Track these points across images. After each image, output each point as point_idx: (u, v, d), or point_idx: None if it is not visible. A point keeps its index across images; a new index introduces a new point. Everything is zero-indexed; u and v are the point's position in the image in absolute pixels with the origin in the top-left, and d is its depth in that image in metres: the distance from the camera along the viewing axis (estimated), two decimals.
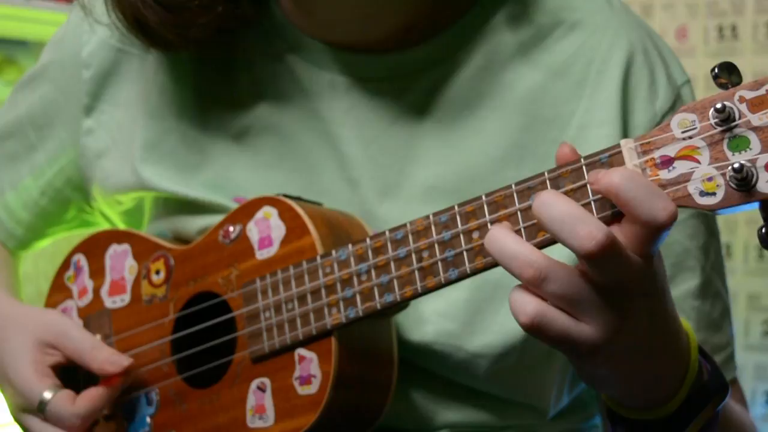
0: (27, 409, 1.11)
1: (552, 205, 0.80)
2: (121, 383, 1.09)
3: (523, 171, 0.98)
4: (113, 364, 1.08)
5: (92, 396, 1.08)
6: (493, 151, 1.08)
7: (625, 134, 1.07)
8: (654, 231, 0.79)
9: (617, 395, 0.90)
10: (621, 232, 0.80)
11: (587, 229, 0.78)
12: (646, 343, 0.85)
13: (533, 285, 0.81)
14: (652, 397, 0.89)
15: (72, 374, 1.12)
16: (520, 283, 0.83)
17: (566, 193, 0.84)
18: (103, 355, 1.08)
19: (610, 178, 0.80)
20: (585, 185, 0.83)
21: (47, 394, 1.08)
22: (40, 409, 1.09)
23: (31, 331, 1.12)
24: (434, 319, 1.06)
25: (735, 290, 2.49)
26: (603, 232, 0.78)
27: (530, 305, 0.81)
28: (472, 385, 1.08)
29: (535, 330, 0.81)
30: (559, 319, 0.81)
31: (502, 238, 0.82)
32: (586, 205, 0.83)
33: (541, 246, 0.85)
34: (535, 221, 0.85)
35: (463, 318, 1.06)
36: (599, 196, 0.83)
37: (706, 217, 1.11)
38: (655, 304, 0.84)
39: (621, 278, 0.80)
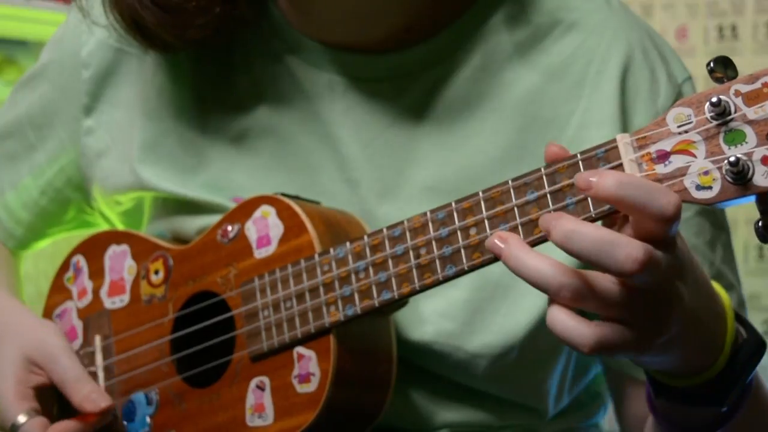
0: (1, 426, 1.11)
1: (579, 233, 0.78)
2: (97, 422, 1.08)
3: (522, 172, 0.98)
4: (92, 402, 1.07)
5: (64, 428, 1.07)
6: (492, 151, 1.08)
7: None
8: (665, 225, 0.78)
9: (669, 369, 0.89)
10: (636, 235, 0.79)
11: (625, 251, 0.77)
12: (693, 319, 0.84)
13: (572, 304, 0.80)
14: (700, 362, 0.89)
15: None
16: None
17: (562, 188, 0.84)
18: (84, 391, 1.08)
19: (606, 188, 0.77)
20: None
21: (21, 418, 1.08)
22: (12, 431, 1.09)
23: (23, 345, 1.11)
24: (434, 318, 1.06)
25: None
26: (641, 251, 0.77)
27: (589, 335, 0.79)
28: (472, 384, 1.07)
29: (598, 352, 0.80)
30: (617, 333, 0.80)
31: (529, 262, 0.80)
32: (582, 201, 0.83)
33: (537, 243, 0.85)
34: (531, 217, 0.85)
35: (463, 318, 1.06)
36: None
37: (713, 214, 1.11)
38: (689, 280, 0.84)
39: (660, 278, 0.80)
